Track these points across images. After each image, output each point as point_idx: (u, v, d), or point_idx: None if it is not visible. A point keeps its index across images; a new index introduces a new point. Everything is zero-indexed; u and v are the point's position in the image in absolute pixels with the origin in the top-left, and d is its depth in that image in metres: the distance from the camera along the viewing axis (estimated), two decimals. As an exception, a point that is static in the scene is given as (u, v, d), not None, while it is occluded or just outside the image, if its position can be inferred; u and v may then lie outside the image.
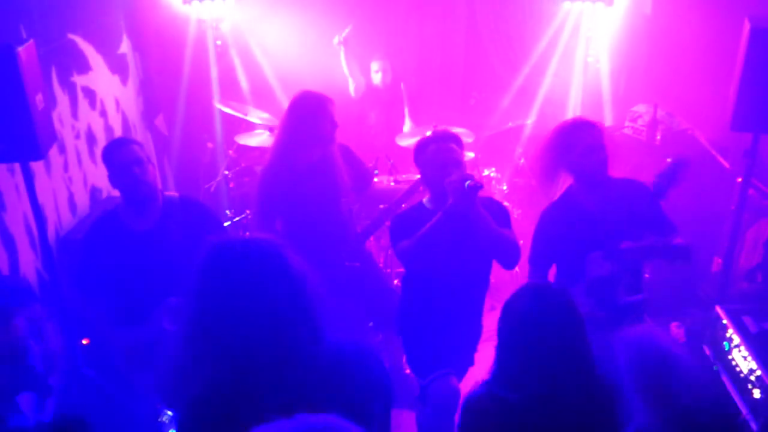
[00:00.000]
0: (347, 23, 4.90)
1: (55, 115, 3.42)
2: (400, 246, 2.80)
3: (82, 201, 3.83)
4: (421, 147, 2.87)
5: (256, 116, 4.69)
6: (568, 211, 2.79)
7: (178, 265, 2.88)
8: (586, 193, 2.76)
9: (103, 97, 4.22)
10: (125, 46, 4.64)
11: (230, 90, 5.26)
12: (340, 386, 1.66)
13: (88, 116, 4.01)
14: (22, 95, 2.62)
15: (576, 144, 2.71)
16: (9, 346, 1.81)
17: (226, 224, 4.51)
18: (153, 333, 2.90)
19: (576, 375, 1.73)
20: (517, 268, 3.36)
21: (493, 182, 4.62)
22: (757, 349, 2.77)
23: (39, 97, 2.76)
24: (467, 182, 2.57)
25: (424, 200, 2.93)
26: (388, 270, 4.20)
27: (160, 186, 3.04)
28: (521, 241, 2.96)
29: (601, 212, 2.66)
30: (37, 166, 3.24)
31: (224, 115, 4.96)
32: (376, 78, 4.95)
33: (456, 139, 2.88)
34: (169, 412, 3.10)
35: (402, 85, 4.89)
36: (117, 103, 4.44)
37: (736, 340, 2.87)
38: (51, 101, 3.43)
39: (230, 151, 4.81)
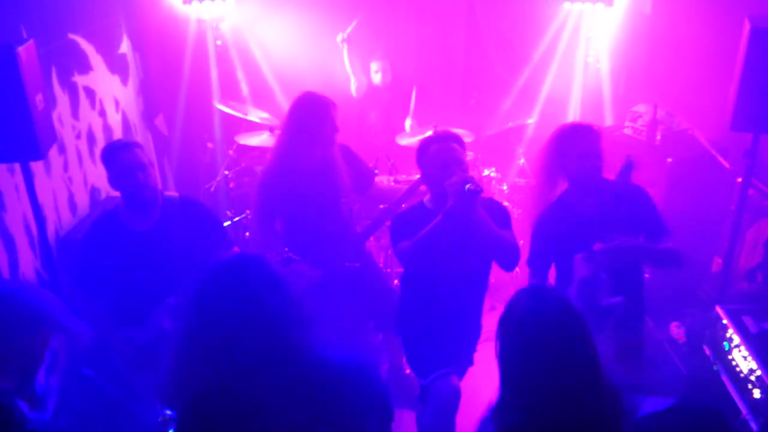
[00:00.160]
0: (347, 23, 4.91)
1: (55, 115, 3.42)
2: (400, 246, 2.80)
3: (82, 201, 3.83)
4: (423, 147, 2.88)
5: (255, 116, 4.70)
6: (564, 214, 2.80)
7: (178, 265, 2.89)
8: (581, 196, 2.76)
9: (103, 97, 4.22)
10: (125, 46, 4.64)
11: (230, 90, 5.26)
12: (334, 400, 1.66)
13: (89, 116, 4.01)
14: (22, 95, 2.62)
15: (571, 150, 2.72)
16: (25, 357, 1.82)
17: (226, 224, 4.50)
18: (153, 333, 2.90)
19: (582, 381, 1.69)
20: (517, 269, 3.36)
21: (493, 182, 4.62)
22: (757, 349, 2.77)
23: (39, 97, 2.76)
24: (467, 185, 2.57)
25: (425, 200, 2.94)
26: (388, 270, 4.20)
27: (160, 186, 3.04)
28: (521, 242, 2.97)
29: (595, 215, 2.66)
30: (36, 166, 3.24)
31: (224, 115, 4.96)
32: (376, 78, 4.95)
33: (458, 139, 2.89)
34: (169, 412, 3.10)
35: (414, 89, 4.90)
36: (117, 103, 4.43)
37: (736, 340, 2.87)
38: (51, 101, 3.43)
39: (230, 151, 4.81)
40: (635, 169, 2.70)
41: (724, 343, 2.94)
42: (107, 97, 4.29)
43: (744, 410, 2.71)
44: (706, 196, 4.23)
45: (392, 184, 4.35)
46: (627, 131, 4.53)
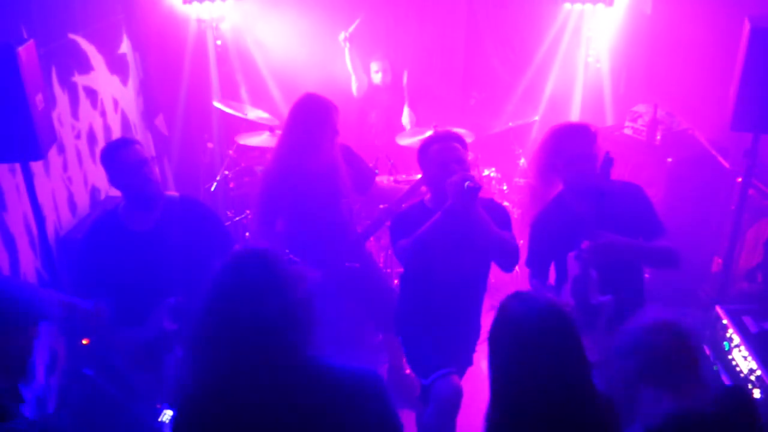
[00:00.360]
0: (348, 22, 4.90)
1: (54, 115, 3.42)
2: (399, 244, 2.81)
3: (82, 201, 3.83)
4: (425, 146, 2.89)
5: (255, 116, 4.70)
6: (560, 214, 2.80)
7: (179, 265, 2.89)
8: (576, 197, 2.76)
9: (104, 97, 4.22)
10: (125, 46, 4.64)
11: (230, 90, 5.26)
12: (332, 413, 1.64)
13: (89, 116, 4.01)
14: (22, 95, 2.62)
15: (562, 152, 2.71)
16: (11, 359, 1.79)
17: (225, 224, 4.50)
18: (153, 333, 2.90)
19: (569, 385, 1.70)
20: (516, 268, 3.36)
21: (493, 182, 4.62)
22: (757, 349, 2.78)
23: (39, 97, 2.76)
24: (467, 183, 2.57)
25: (425, 199, 2.94)
26: (388, 270, 4.20)
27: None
28: (521, 242, 2.97)
29: (590, 215, 2.66)
30: (36, 166, 3.24)
31: (224, 115, 4.96)
32: (376, 78, 4.95)
33: (459, 139, 2.89)
34: (169, 412, 3.10)
35: (405, 73, 4.89)
36: (117, 103, 4.43)
37: (736, 340, 2.87)
38: (51, 101, 3.43)
39: (230, 151, 4.81)
40: (614, 165, 2.70)
41: (724, 343, 2.94)
42: (107, 97, 4.28)
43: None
44: (706, 196, 4.23)
45: (392, 184, 4.35)
46: (627, 131, 4.53)
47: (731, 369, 2.86)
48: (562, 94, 5.28)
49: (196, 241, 2.95)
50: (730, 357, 2.89)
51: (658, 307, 2.01)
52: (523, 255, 2.94)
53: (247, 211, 4.72)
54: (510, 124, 4.93)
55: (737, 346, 2.86)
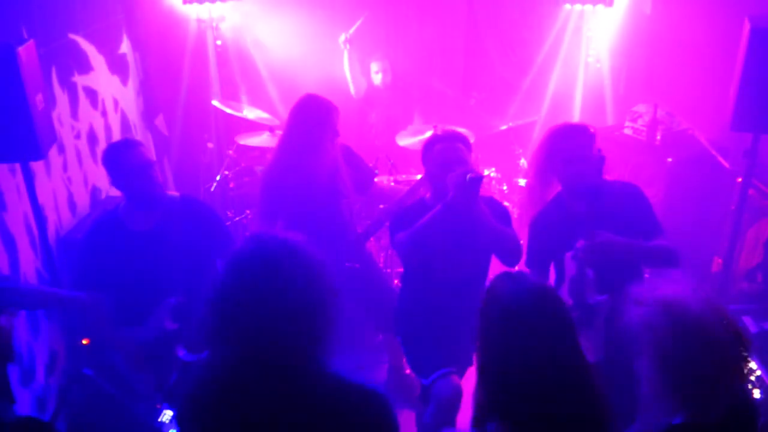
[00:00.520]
0: (348, 22, 4.90)
1: (54, 116, 3.42)
2: (398, 237, 2.80)
3: (82, 201, 3.83)
4: (429, 145, 2.90)
5: (255, 116, 4.70)
6: (558, 214, 2.80)
7: (179, 265, 2.89)
8: (573, 197, 2.76)
9: (104, 97, 4.22)
10: (125, 46, 4.64)
11: (230, 90, 5.26)
12: (337, 428, 1.59)
13: (89, 116, 4.01)
14: (22, 95, 2.62)
15: (560, 152, 2.71)
16: None
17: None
18: (154, 333, 2.90)
19: (561, 366, 1.64)
20: (517, 268, 3.36)
21: (493, 182, 4.62)
22: (757, 349, 2.77)
23: (39, 97, 2.76)
24: (468, 175, 2.58)
25: (426, 197, 2.95)
26: (388, 270, 4.20)
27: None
28: (521, 241, 2.97)
29: (588, 215, 2.66)
30: (37, 166, 3.24)
31: (224, 115, 4.96)
32: (377, 79, 4.95)
33: (463, 139, 2.89)
34: (170, 412, 3.10)
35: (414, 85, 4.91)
36: (117, 103, 4.43)
37: (736, 340, 2.87)
38: (51, 101, 3.43)
39: (230, 151, 4.81)
40: (605, 162, 2.70)
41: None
42: (107, 97, 4.29)
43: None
44: (706, 196, 4.23)
45: (392, 184, 4.35)
46: (627, 131, 4.53)
47: (731, 369, 2.86)
48: (563, 94, 5.28)
49: (196, 241, 2.96)
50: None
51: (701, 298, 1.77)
52: (523, 255, 2.94)
53: (247, 211, 4.72)
54: (510, 123, 4.93)
55: (737, 346, 2.86)
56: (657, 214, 2.78)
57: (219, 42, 5.12)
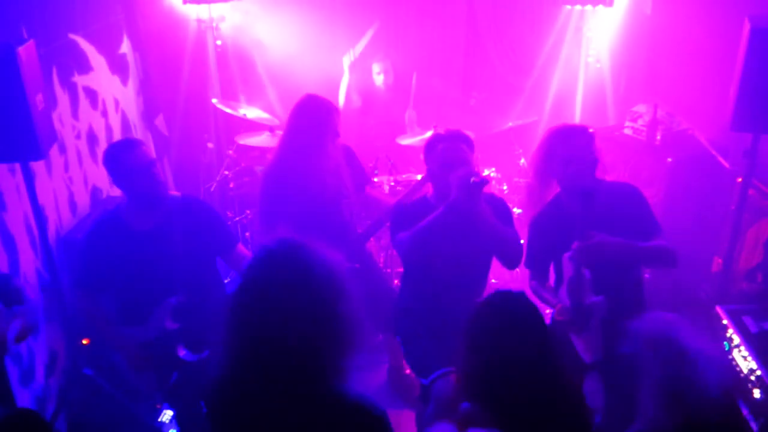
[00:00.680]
0: (348, 22, 4.90)
1: (55, 116, 3.42)
2: (399, 237, 2.80)
3: (83, 201, 3.83)
4: (431, 144, 2.89)
5: (255, 116, 4.70)
6: (557, 215, 2.80)
7: (181, 265, 2.89)
8: (572, 198, 2.76)
9: (104, 97, 4.22)
10: (125, 46, 4.64)
11: (230, 90, 5.26)
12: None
13: (89, 116, 4.01)
14: (22, 95, 2.62)
15: (556, 155, 2.72)
16: None
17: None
18: (155, 332, 2.90)
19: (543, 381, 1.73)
20: (517, 269, 3.36)
21: (493, 182, 4.62)
22: (757, 349, 2.78)
23: (39, 97, 2.76)
24: (472, 178, 2.57)
25: (428, 196, 2.95)
26: (388, 270, 4.20)
27: None
28: (521, 241, 2.97)
29: (586, 216, 2.66)
30: (37, 166, 3.25)
31: (224, 115, 4.96)
32: (378, 80, 4.95)
33: (467, 139, 2.89)
34: (170, 412, 3.10)
35: (414, 76, 4.89)
36: (117, 103, 4.44)
37: (736, 340, 2.87)
38: (51, 101, 3.43)
39: (230, 151, 4.81)
40: (598, 163, 2.71)
41: (724, 343, 2.94)
42: (108, 97, 4.29)
43: (744, 410, 2.71)
44: (706, 196, 4.23)
45: (392, 183, 4.35)
46: (627, 131, 4.53)
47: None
48: (563, 94, 5.28)
49: (198, 241, 2.96)
50: (730, 357, 2.89)
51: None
52: (523, 255, 2.94)
53: (247, 211, 4.72)
54: (510, 123, 4.93)
55: (737, 346, 2.86)
56: (656, 215, 2.78)
57: (219, 42, 5.12)
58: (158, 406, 3.21)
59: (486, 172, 4.60)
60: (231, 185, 4.78)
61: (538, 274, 2.91)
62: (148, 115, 4.99)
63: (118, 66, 4.51)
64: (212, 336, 2.64)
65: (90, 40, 4.05)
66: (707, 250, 4.09)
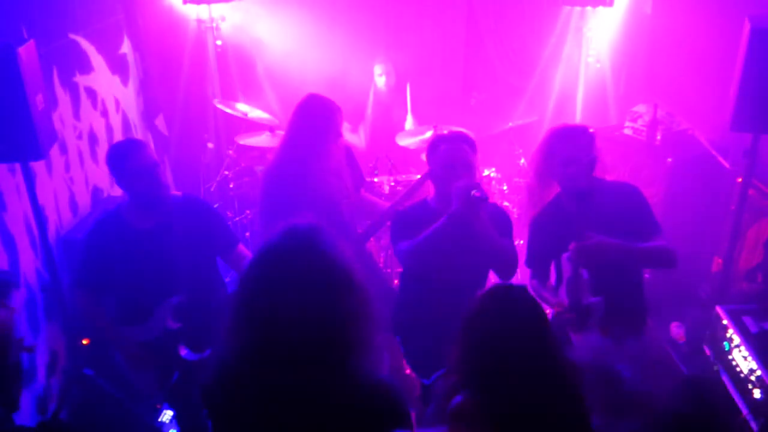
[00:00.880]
0: (348, 23, 4.90)
1: (56, 116, 3.42)
2: (400, 246, 2.80)
3: (83, 201, 3.84)
4: (434, 144, 2.89)
5: (255, 116, 4.70)
6: (557, 215, 2.80)
7: (181, 264, 2.89)
8: (572, 198, 2.76)
9: (104, 97, 4.22)
10: (125, 46, 4.65)
11: (230, 90, 5.26)
12: (354, 417, 1.59)
13: (90, 116, 4.01)
14: (23, 95, 2.62)
15: (555, 156, 2.72)
16: None
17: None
18: (156, 332, 2.90)
19: (541, 368, 1.74)
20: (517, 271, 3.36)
21: (493, 182, 4.62)
22: (757, 349, 2.77)
23: (39, 97, 2.76)
24: (473, 191, 2.57)
25: (429, 198, 2.94)
26: (388, 270, 4.20)
27: None
28: (521, 241, 2.97)
29: (585, 216, 2.66)
30: (38, 166, 3.25)
31: (224, 115, 4.97)
32: (380, 81, 4.96)
33: (469, 141, 2.89)
34: (170, 412, 3.10)
35: (408, 85, 4.90)
36: (117, 103, 4.44)
37: (737, 340, 2.87)
38: (52, 101, 3.43)
39: (230, 151, 4.82)
40: (596, 164, 2.71)
41: (724, 343, 2.94)
42: (108, 98, 4.29)
43: (744, 410, 2.71)
44: (706, 196, 4.23)
45: (392, 183, 4.35)
46: (627, 131, 4.53)
47: (731, 369, 2.86)
48: (564, 94, 5.29)
49: (199, 240, 2.96)
50: (730, 357, 2.89)
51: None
52: (524, 255, 2.94)
53: (247, 211, 4.72)
54: (510, 124, 4.93)
55: (737, 346, 2.86)
56: (655, 214, 2.78)
57: (219, 42, 5.13)
58: (158, 406, 3.22)
59: (486, 172, 4.60)
60: (231, 185, 4.78)
61: (539, 273, 2.91)
62: (148, 115, 4.99)
63: (119, 66, 4.51)
64: (214, 335, 2.63)
65: (90, 40, 4.05)
66: (707, 250, 4.09)
